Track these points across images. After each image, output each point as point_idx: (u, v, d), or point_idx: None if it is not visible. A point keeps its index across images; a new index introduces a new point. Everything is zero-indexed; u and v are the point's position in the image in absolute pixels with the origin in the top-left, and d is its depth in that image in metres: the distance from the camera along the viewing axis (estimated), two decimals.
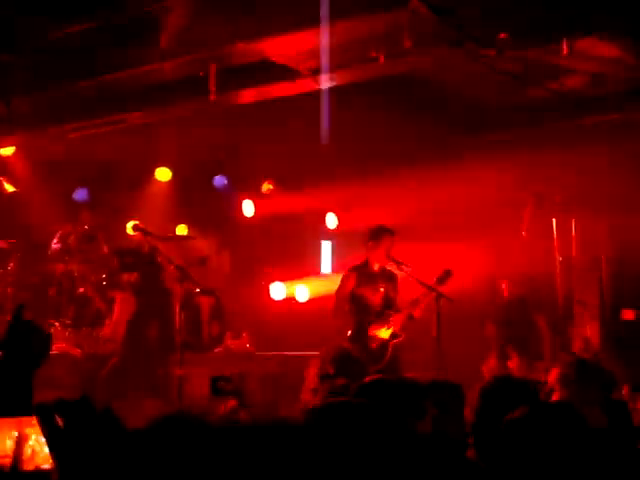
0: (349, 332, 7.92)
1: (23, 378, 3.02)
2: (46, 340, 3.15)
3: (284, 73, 7.65)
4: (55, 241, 9.46)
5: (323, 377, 3.57)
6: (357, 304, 7.96)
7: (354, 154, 10.28)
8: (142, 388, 7.39)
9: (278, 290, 10.96)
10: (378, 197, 10.38)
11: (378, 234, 8.01)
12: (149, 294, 7.62)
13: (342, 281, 8.05)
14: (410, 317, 8.02)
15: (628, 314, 9.96)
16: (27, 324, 3.10)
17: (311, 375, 3.70)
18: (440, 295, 7.83)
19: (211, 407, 5.22)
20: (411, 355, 8.54)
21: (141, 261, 8.03)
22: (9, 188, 9.61)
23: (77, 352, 8.04)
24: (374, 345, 7.87)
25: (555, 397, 3.66)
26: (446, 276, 7.84)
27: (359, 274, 8.01)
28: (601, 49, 7.00)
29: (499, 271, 10.23)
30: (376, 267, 8.03)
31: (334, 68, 7.41)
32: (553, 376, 3.81)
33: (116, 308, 7.68)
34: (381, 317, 7.96)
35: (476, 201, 10.23)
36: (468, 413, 3.39)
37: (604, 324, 9.97)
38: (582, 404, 3.29)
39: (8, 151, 9.56)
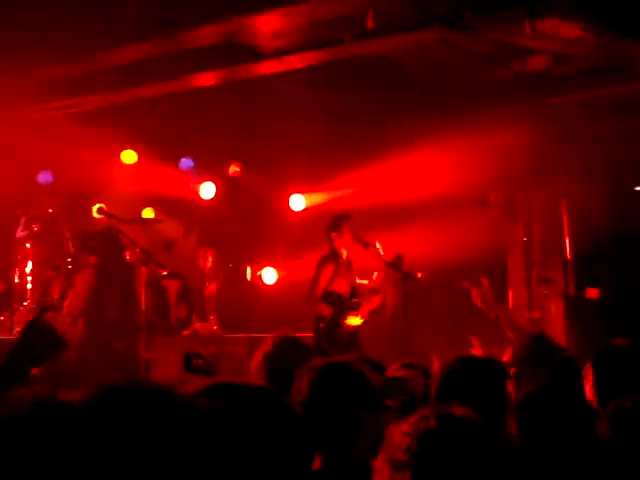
0: (323, 321, 7.97)
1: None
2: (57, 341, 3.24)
3: (248, 54, 7.62)
4: (20, 225, 9.36)
5: (273, 369, 3.54)
6: (332, 294, 8.02)
7: (320, 135, 10.28)
8: (106, 369, 7.37)
9: (248, 273, 10.94)
10: (344, 179, 10.41)
11: (338, 223, 8.08)
12: (111, 275, 7.58)
13: (318, 271, 8.07)
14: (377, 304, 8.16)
15: (592, 292, 10.09)
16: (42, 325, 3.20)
17: (257, 365, 3.65)
18: (407, 276, 7.91)
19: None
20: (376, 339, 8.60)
21: (105, 244, 7.97)
22: None
23: None
24: (344, 332, 7.94)
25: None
26: (398, 261, 7.95)
27: (335, 265, 8.06)
28: (563, 29, 7.05)
29: (461, 253, 10.29)
30: (345, 255, 8.11)
31: (298, 49, 7.40)
32: (507, 355, 3.85)
33: (76, 285, 7.63)
34: (353, 306, 8.04)
35: (439, 181, 10.28)
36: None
37: (568, 302, 10.09)
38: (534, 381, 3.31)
39: None
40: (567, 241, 10.24)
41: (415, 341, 8.46)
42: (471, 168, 9.73)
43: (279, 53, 7.46)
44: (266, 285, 11.06)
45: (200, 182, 10.57)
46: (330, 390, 2.63)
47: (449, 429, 1.70)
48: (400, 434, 1.70)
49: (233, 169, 10.87)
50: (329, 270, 8.04)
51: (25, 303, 8.57)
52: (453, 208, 10.05)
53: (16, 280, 8.77)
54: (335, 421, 2.53)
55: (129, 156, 10.66)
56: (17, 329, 8.09)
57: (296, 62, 7.62)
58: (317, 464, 2.43)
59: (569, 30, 6.98)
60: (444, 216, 10.04)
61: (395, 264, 8.05)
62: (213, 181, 10.62)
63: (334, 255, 8.11)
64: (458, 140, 9.39)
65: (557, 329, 9.50)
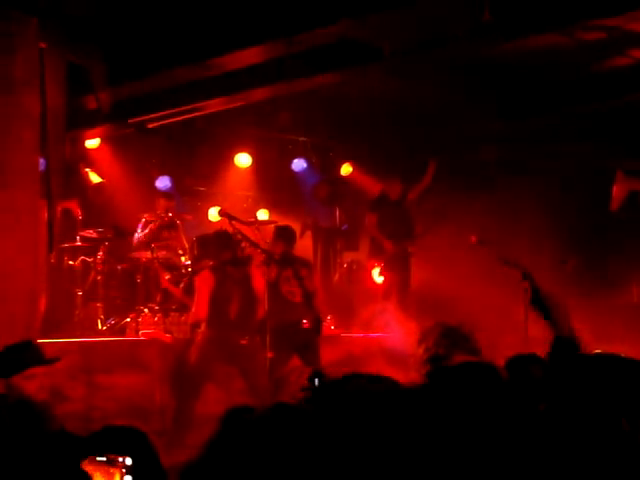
0: None
1: None
2: None
3: (363, 54, 7.61)
4: (140, 230, 9.63)
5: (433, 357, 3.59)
6: None
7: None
8: (231, 368, 7.51)
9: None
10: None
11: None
12: (232, 276, 7.71)
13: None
14: None
15: None
16: None
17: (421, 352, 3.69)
18: (526, 275, 7.83)
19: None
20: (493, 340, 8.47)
21: (224, 246, 8.10)
22: (95, 179, 9.84)
23: (167, 337, 8.19)
24: None
25: None
26: None
27: None
28: None
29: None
30: None
31: (415, 47, 7.35)
32: None
33: (197, 290, 7.79)
34: None
35: (556, 175, 10.08)
36: None
37: None
38: None
39: (94, 143, 9.78)
40: None
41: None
42: (591, 161, 9.50)
43: (397, 52, 7.42)
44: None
45: (314, 183, 10.68)
46: None
47: None
48: None
49: (346, 169, 10.90)
50: None
51: (149, 305, 8.81)
52: (571, 200, 9.82)
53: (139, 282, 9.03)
54: None
55: (243, 159, 10.83)
56: (142, 330, 8.32)
57: (411, 60, 7.58)
58: None
59: None
60: (558, 212, 9.83)
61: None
62: (326, 181, 10.71)
63: None
64: (575, 135, 9.17)
65: None
